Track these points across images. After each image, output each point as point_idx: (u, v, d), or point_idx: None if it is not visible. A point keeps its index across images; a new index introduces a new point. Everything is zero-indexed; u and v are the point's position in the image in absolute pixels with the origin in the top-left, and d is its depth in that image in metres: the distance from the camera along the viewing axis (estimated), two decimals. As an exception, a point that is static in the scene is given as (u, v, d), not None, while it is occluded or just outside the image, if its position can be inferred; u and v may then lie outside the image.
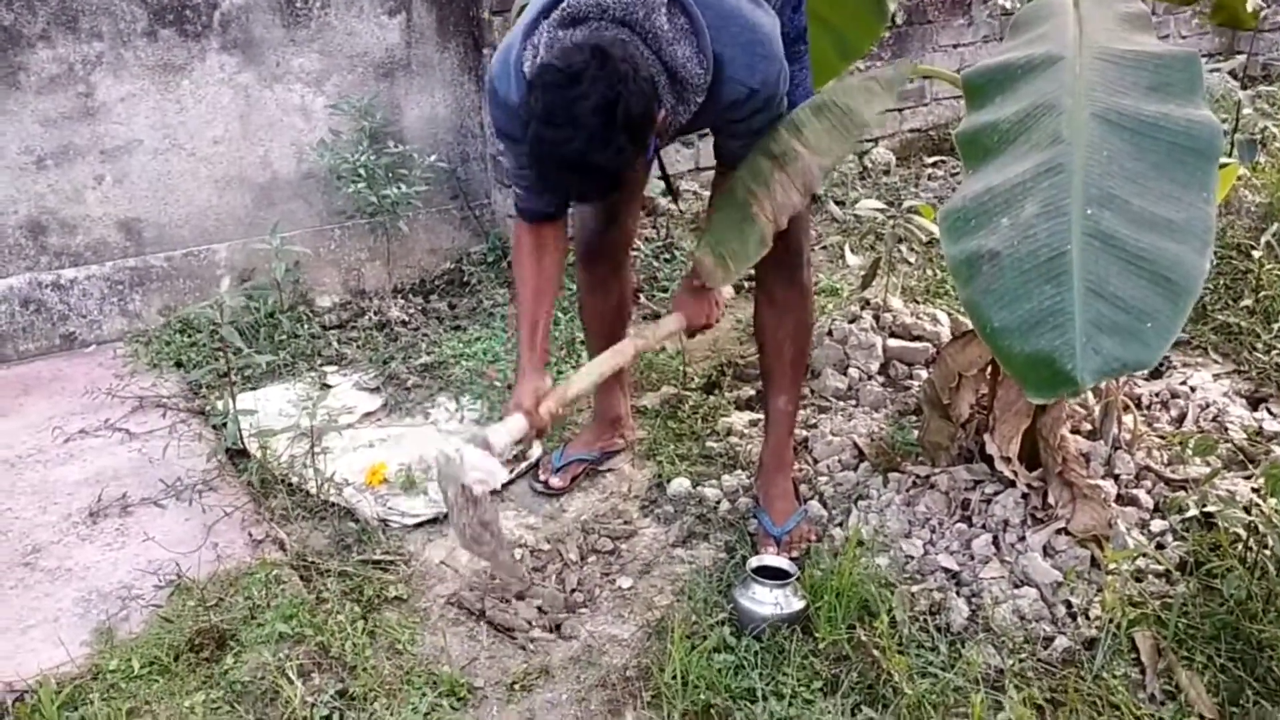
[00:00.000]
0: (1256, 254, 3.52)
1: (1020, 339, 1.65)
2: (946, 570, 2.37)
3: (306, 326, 3.65)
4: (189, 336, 3.56)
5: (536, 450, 2.87)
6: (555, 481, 2.80)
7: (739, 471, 2.83)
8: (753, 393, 3.17)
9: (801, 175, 2.21)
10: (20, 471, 2.88)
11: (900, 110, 5.14)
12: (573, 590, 2.46)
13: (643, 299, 3.57)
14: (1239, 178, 3.83)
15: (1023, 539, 2.39)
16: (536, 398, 2.23)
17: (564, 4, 1.99)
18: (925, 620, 2.25)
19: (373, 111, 3.71)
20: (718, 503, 2.71)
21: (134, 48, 3.45)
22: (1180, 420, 2.91)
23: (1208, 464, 2.63)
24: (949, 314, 3.45)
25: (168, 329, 3.61)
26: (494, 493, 2.19)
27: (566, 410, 2.33)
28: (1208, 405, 2.93)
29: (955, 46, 5.18)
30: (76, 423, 3.11)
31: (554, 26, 1.99)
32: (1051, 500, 2.43)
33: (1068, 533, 2.38)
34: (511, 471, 2.78)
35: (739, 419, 3.06)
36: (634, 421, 3.00)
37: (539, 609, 2.40)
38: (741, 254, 2.24)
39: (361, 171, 3.62)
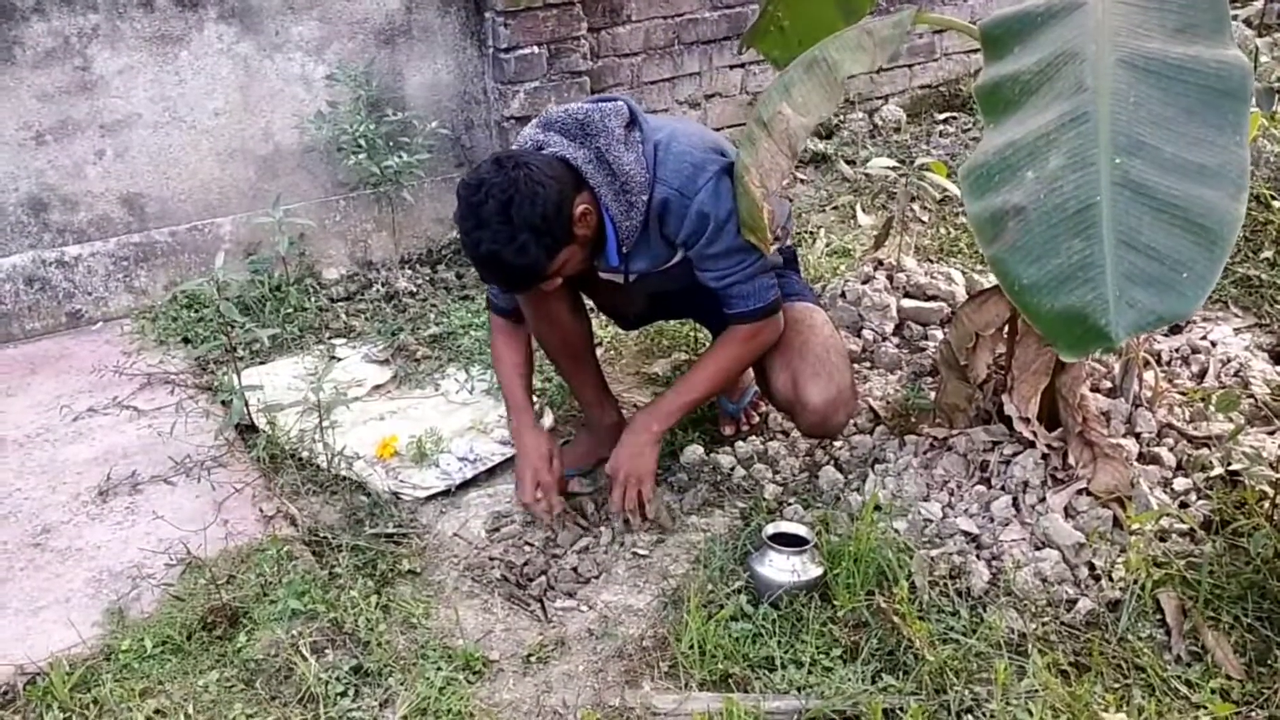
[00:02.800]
0: (1277, 204, 3.45)
1: (1051, 295, 1.60)
2: (966, 533, 2.33)
3: (314, 299, 3.61)
4: (196, 312, 3.52)
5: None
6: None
7: (754, 438, 2.79)
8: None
9: (787, 139, 2.23)
10: (29, 451, 2.86)
11: (910, 66, 5.06)
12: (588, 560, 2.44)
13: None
14: (1258, 127, 3.75)
15: (1043, 500, 2.35)
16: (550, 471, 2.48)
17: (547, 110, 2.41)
18: (945, 585, 2.22)
19: (373, 79, 3.65)
20: (732, 469, 2.68)
21: (130, 19, 3.40)
22: (1202, 376, 2.86)
23: (1231, 420, 2.59)
24: (964, 272, 3.40)
25: (174, 305, 3.57)
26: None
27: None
28: (1229, 360, 2.88)
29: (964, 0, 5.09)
30: (84, 401, 3.09)
31: (532, 126, 2.35)
32: (1072, 460, 2.39)
33: (1089, 493, 2.35)
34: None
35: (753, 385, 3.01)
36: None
37: (554, 580, 2.38)
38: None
39: (362, 141, 3.57)
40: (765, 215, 2.22)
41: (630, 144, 2.29)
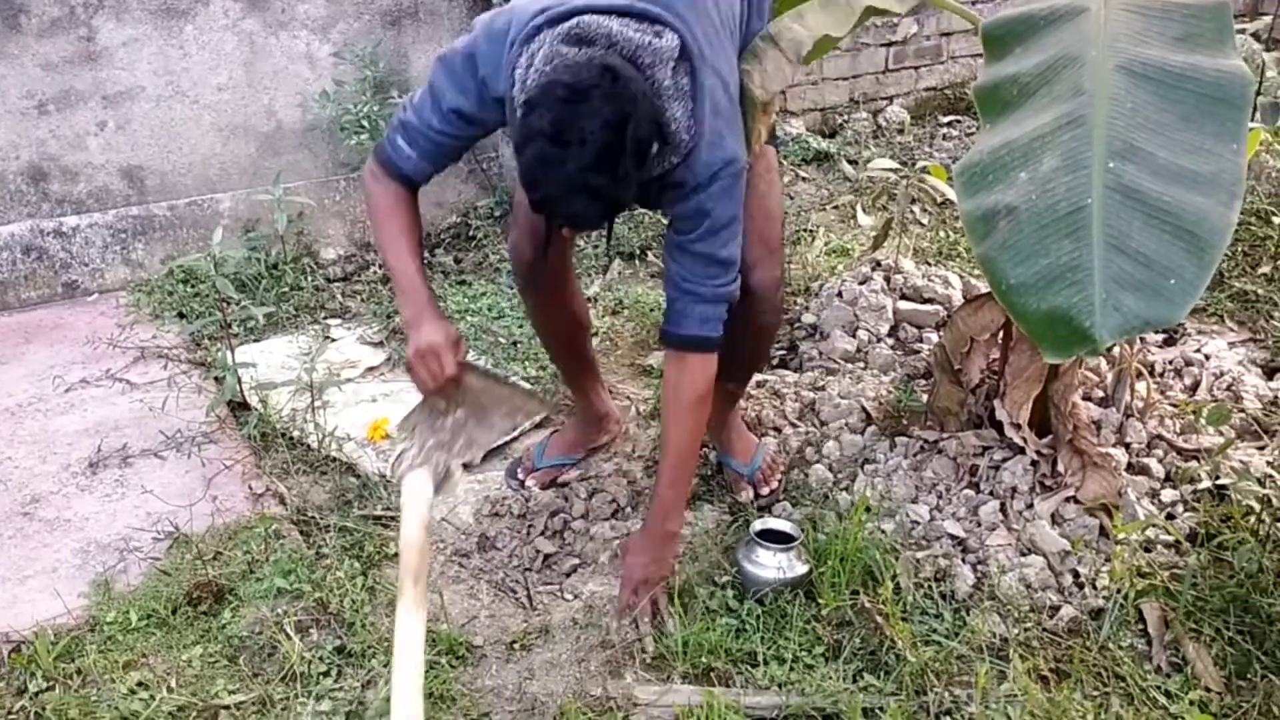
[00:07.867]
0: (1277, 220, 3.45)
1: (1037, 296, 1.60)
2: (953, 537, 2.34)
3: (310, 279, 3.61)
4: (192, 287, 3.52)
5: None
6: (531, 483, 2.64)
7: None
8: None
9: (795, 46, 2.10)
10: (20, 420, 2.86)
11: (916, 68, 5.06)
12: (574, 550, 2.44)
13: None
14: (1261, 142, 3.75)
15: (1031, 506, 2.36)
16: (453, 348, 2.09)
17: (574, 21, 1.87)
18: (930, 587, 2.22)
19: (377, 60, 3.65)
20: (721, 464, 2.68)
21: (136, -9, 3.39)
22: (1194, 389, 2.86)
23: (1221, 434, 2.59)
24: (961, 276, 3.40)
25: (170, 279, 3.57)
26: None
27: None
28: (1222, 374, 2.88)
29: (974, 3, 5.08)
30: (77, 372, 3.09)
31: (558, 41, 1.86)
32: (1061, 468, 2.39)
33: (1077, 501, 2.35)
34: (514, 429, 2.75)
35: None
36: (621, 414, 2.83)
37: (539, 569, 2.38)
38: None
39: (365, 122, 3.56)
40: (762, 119, 2.09)
41: (680, 93, 1.92)
